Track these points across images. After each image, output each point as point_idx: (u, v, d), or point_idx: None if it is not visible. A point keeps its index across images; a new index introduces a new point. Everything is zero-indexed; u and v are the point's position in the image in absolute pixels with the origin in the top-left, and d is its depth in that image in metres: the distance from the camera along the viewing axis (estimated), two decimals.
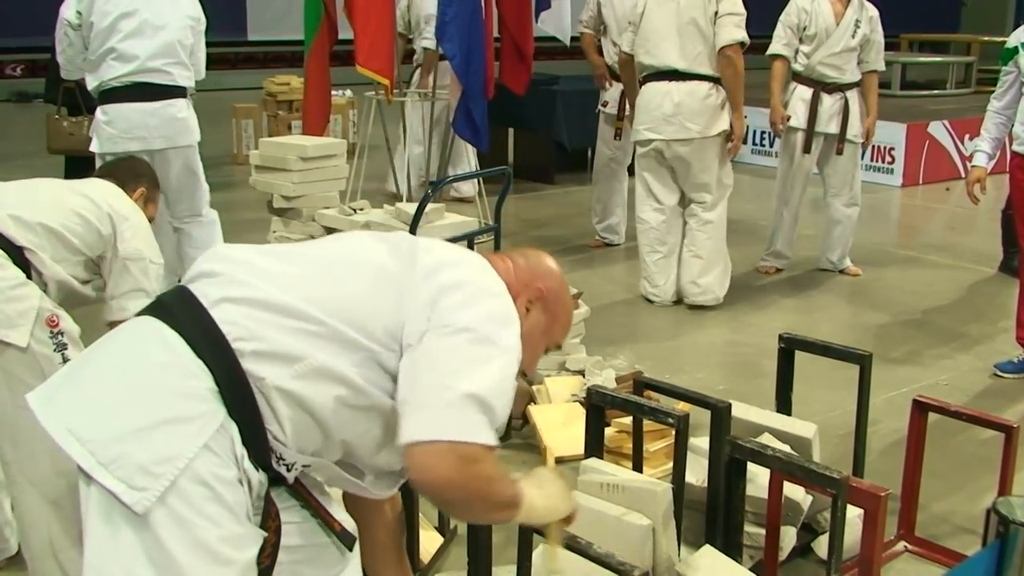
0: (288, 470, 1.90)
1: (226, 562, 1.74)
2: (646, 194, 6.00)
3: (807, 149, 6.44)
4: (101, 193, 3.07)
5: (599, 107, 7.23)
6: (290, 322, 1.80)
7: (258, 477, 1.83)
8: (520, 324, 1.94)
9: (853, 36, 6.30)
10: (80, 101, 6.72)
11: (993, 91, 5.07)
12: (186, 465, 1.71)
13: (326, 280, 1.88)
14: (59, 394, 1.81)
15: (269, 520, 1.89)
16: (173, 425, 1.72)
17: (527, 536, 2.36)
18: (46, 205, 2.93)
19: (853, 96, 6.44)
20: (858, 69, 6.42)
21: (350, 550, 2.07)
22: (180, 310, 1.83)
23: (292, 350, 1.79)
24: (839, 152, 6.50)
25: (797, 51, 6.38)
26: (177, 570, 1.70)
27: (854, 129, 6.45)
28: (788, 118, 6.38)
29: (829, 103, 6.39)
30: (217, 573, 1.73)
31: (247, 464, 1.80)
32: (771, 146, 10.26)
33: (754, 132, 10.40)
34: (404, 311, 1.85)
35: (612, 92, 7.07)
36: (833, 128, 6.42)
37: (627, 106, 6.89)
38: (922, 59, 15.26)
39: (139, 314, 1.90)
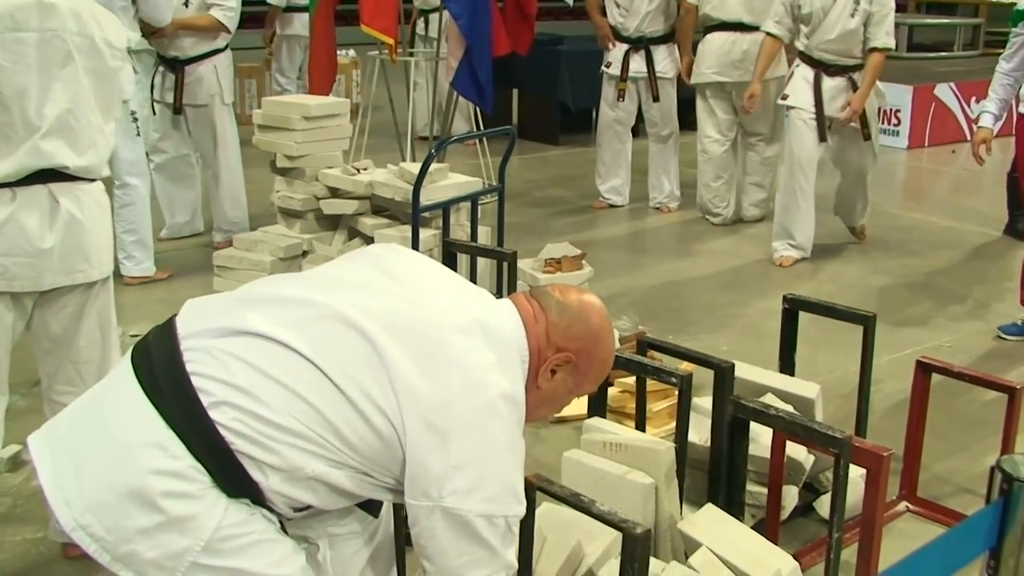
0: (289, 519, 1.96)
1: None
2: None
3: (822, 137, 5.89)
4: None
5: (603, 68, 7.19)
6: (289, 439, 1.79)
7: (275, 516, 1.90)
8: (538, 393, 1.99)
9: (852, 16, 5.67)
10: None
11: (1001, 53, 5.03)
12: (194, 558, 1.77)
13: (322, 398, 1.82)
14: (61, 466, 1.82)
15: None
16: (176, 525, 1.76)
17: (530, 494, 2.37)
18: None
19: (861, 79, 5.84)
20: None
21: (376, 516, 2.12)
22: (177, 404, 1.79)
23: (292, 463, 1.80)
24: (866, 138, 5.97)
25: (798, 30, 5.97)
26: None
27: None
28: (786, 96, 6.04)
29: (831, 85, 5.85)
30: None
31: (262, 512, 1.85)
32: None
33: None
34: (402, 461, 1.84)
35: (615, 53, 7.02)
36: (834, 112, 5.85)
37: (627, 67, 6.91)
38: (929, 21, 15.17)
39: (134, 367, 1.86)
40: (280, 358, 1.80)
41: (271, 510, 1.86)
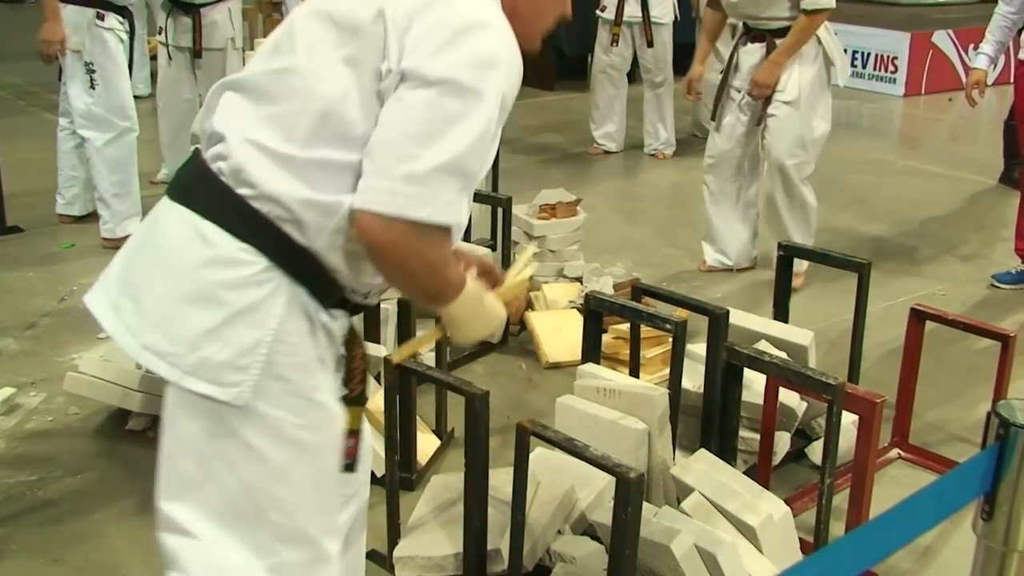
0: (365, 297, 1.86)
1: (307, 446, 1.76)
2: None
3: (712, 115, 4.97)
4: None
5: (597, 12, 7.12)
6: (315, 179, 1.68)
7: (339, 323, 1.81)
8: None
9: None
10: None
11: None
12: (267, 352, 1.68)
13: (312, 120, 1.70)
14: (121, 304, 1.75)
15: (355, 349, 1.90)
16: (240, 317, 1.67)
17: (524, 439, 2.37)
18: None
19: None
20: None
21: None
22: (207, 196, 1.71)
23: (329, 206, 1.68)
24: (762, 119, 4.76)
25: None
26: (272, 465, 1.72)
27: (781, 85, 4.60)
28: (604, 8, 6.18)
29: (748, 54, 4.73)
30: (305, 459, 1.75)
31: (323, 317, 1.76)
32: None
33: None
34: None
35: None
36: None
37: (622, 12, 6.83)
38: None
39: (167, 193, 1.80)
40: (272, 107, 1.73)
41: (342, 304, 1.80)
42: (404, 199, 1.60)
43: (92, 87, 4.96)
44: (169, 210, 1.76)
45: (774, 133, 4.65)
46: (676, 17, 7.04)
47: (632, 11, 6.91)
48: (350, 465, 1.92)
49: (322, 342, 1.78)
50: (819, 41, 4.58)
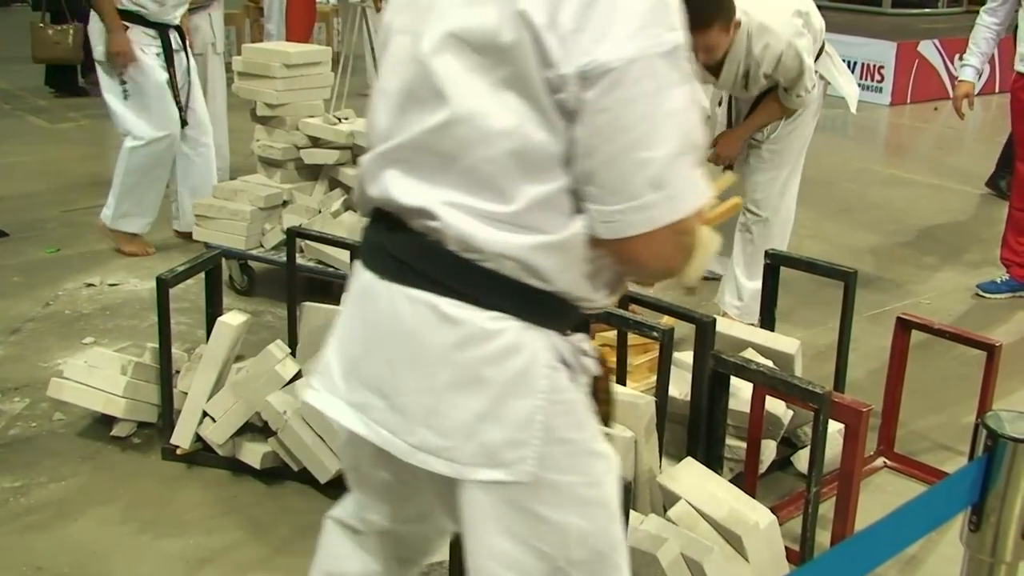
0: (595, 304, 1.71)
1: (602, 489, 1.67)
2: None
3: None
4: None
5: None
6: (536, 223, 1.53)
7: (590, 354, 1.68)
8: None
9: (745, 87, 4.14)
10: (64, 8, 6.60)
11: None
12: (543, 418, 1.56)
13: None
14: (367, 402, 1.62)
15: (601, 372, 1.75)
16: (510, 391, 1.55)
17: None
18: None
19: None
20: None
21: None
22: (436, 270, 1.55)
23: (562, 244, 1.53)
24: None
25: None
26: (576, 530, 1.62)
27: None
28: None
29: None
30: (603, 513, 1.66)
31: (578, 358, 1.64)
32: None
33: None
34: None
35: None
36: None
37: None
38: None
39: (372, 269, 1.64)
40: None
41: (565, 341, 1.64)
42: (657, 210, 1.47)
43: (125, 98, 4.97)
44: (388, 292, 1.60)
45: (750, 176, 4.35)
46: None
47: None
48: None
49: (582, 384, 1.67)
50: (823, 78, 4.32)
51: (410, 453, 1.58)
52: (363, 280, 1.65)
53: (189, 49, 5.23)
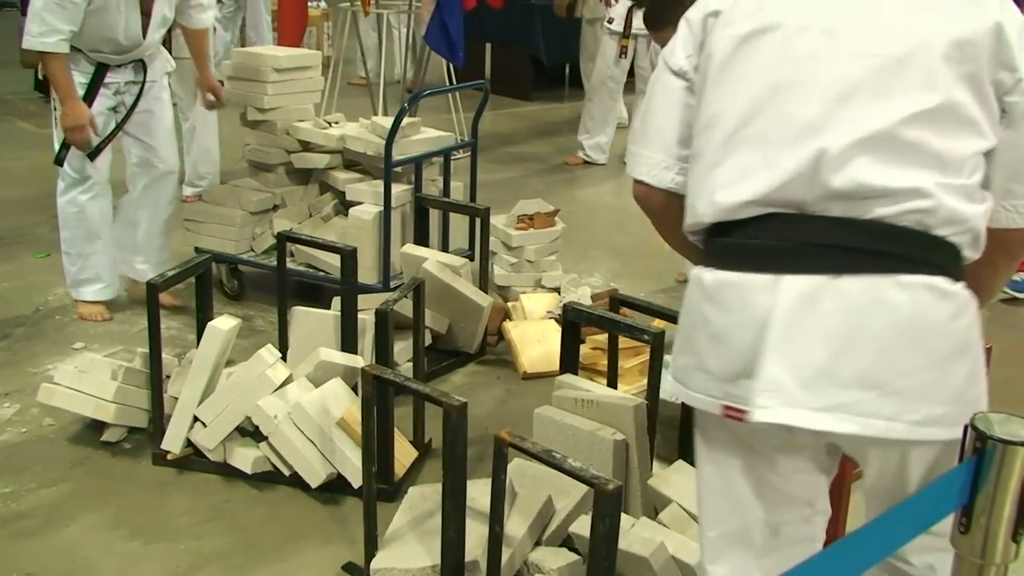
0: None
1: None
2: None
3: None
4: None
5: (605, 24, 7.11)
6: (977, 193, 1.70)
7: None
8: None
9: None
10: None
11: None
12: (969, 369, 1.67)
13: None
14: (849, 400, 1.63)
15: None
16: (978, 350, 1.67)
17: (502, 450, 2.37)
18: None
19: None
20: None
21: None
22: (924, 252, 1.64)
23: (988, 211, 1.70)
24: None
25: None
26: None
27: None
28: (611, 20, 6.68)
29: None
30: None
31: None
32: None
33: None
34: None
35: (618, 8, 6.93)
36: None
37: (630, 24, 6.83)
38: None
39: (806, 273, 1.65)
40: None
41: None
42: None
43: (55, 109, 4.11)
44: (861, 286, 1.63)
45: None
46: None
47: (640, 24, 6.90)
48: None
49: None
50: None
51: (912, 431, 1.62)
52: (797, 287, 1.64)
53: (175, 53, 5.09)
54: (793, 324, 1.63)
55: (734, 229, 1.70)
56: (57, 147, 4.16)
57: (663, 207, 1.95)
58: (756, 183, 1.67)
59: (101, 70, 4.14)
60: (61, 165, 4.19)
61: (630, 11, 6.85)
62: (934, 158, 1.62)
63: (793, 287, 1.63)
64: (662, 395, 2.95)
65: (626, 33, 6.92)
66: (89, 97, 4.11)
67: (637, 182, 1.96)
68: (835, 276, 1.62)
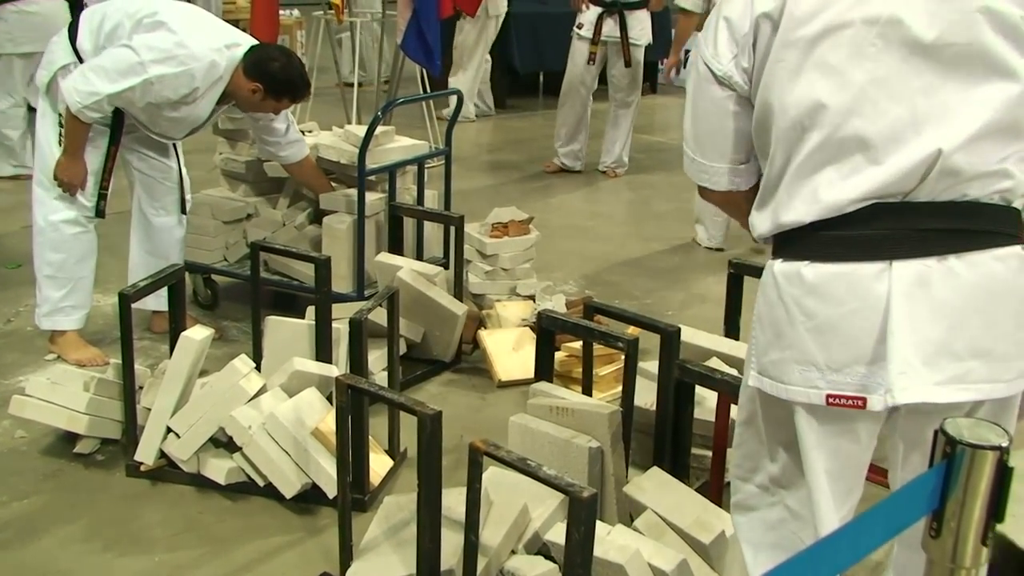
0: None
1: None
2: None
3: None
4: None
5: (575, 29, 7.12)
6: None
7: None
8: None
9: None
10: None
11: None
12: None
13: None
14: (964, 370, 1.75)
15: None
16: None
17: (477, 459, 2.37)
18: None
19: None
20: None
21: None
22: (1009, 225, 1.77)
23: None
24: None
25: None
26: None
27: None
28: (581, 26, 6.95)
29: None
30: None
31: None
32: None
33: None
34: None
35: (588, 15, 6.94)
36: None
37: (600, 31, 6.85)
38: None
39: (912, 258, 1.75)
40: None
41: None
42: None
43: (59, 142, 3.94)
44: (966, 263, 1.74)
45: None
46: (650, 41, 7.07)
47: (610, 30, 6.92)
48: None
49: None
50: None
51: (1010, 388, 1.78)
52: (909, 271, 1.73)
53: None
54: (911, 307, 1.72)
55: (837, 223, 1.76)
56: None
57: (724, 200, 2.07)
58: (864, 180, 1.73)
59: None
60: (103, 217, 4.09)
61: (600, 17, 6.87)
62: (1016, 135, 1.72)
63: (905, 272, 1.73)
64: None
65: (595, 39, 6.94)
66: (115, 139, 4.00)
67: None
68: (942, 257, 1.72)
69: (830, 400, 1.78)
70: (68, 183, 3.94)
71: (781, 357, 1.84)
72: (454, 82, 8.44)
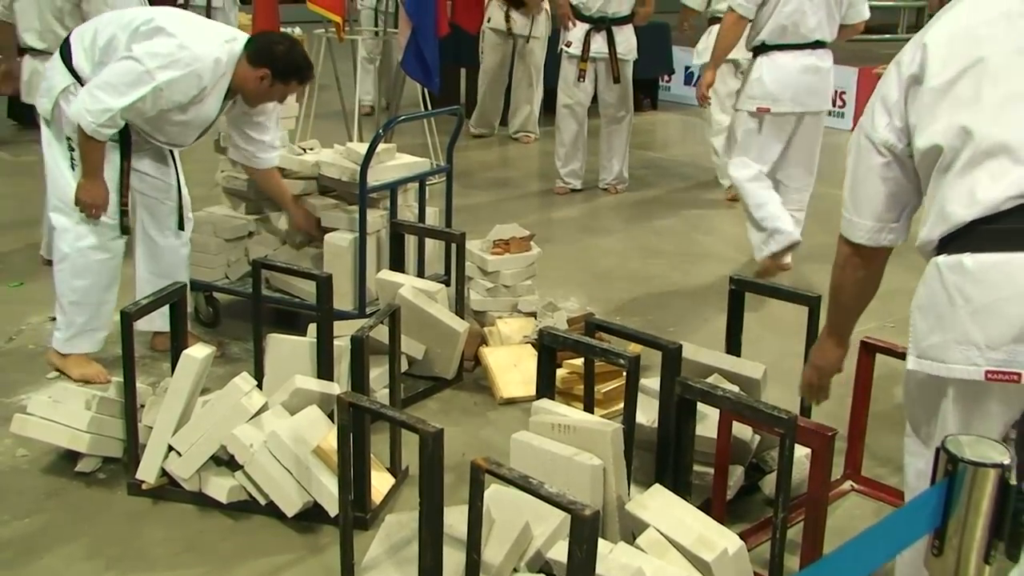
0: None
1: None
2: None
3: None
4: None
5: (561, 47, 7.13)
6: None
7: None
8: None
9: None
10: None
11: None
12: None
13: None
14: None
15: None
16: None
17: (478, 477, 2.36)
18: None
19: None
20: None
21: None
22: None
23: None
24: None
25: None
26: None
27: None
28: (569, 44, 7.05)
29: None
30: None
31: None
32: None
33: None
34: None
35: (576, 32, 6.95)
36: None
37: (588, 47, 6.86)
38: (874, 3, 15.28)
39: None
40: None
41: None
42: None
43: (72, 167, 3.94)
44: None
45: None
46: (635, 56, 7.09)
47: (598, 47, 6.93)
48: None
49: None
50: None
51: None
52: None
53: None
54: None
55: (993, 219, 1.99)
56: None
57: (868, 256, 2.45)
58: (1013, 181, 1.98)
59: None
60: (128, 233, 4.08)
61: (587, 34, 6.89)
62: None
63: None
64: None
65: (584, 56, 6.95)
66: (125, 153, 3.99)
67: (854, 244, 2.40)
68: None
69: (989, 375, 1.97)
70: (91, 204, 3.89)
71: (943, 340, 2.05)
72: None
